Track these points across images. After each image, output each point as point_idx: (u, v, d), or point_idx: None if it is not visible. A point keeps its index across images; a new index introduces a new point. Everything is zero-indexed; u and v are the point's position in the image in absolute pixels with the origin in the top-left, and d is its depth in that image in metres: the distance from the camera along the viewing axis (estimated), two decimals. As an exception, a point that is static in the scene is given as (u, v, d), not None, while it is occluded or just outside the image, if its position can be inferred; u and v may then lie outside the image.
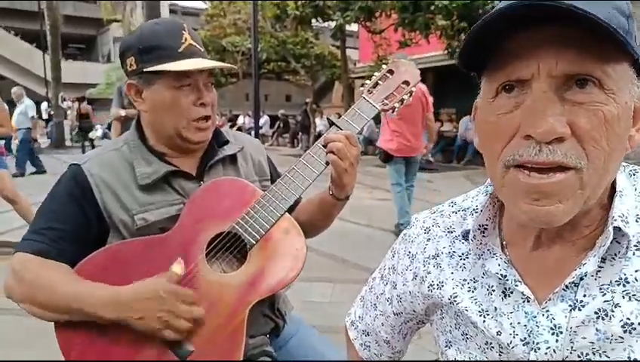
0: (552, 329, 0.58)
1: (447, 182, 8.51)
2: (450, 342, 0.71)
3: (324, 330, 1.56)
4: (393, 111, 1.17)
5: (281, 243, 1.07)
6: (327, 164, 1.10)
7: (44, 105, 20.03)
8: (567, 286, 0.58)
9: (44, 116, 19.65)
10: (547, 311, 0.59)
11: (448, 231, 0.74)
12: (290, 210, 1.21)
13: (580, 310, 0.57)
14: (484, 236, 0.66)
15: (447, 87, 12.28)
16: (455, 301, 0.68)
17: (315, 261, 3.70)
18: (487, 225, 0.67)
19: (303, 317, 1.37)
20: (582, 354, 0.56)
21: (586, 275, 0.57)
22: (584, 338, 0.56)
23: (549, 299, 0.59)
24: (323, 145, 1.11)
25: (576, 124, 0.51)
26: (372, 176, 8.28)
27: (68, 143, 16.07)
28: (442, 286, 0.70)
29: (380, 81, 1.17)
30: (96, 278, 1.00)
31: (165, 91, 1.08)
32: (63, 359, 1.01)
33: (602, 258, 0.57)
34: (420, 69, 1.25)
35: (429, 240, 0.76)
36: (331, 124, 1.15)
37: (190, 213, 1.07)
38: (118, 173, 1.10)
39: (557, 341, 0.57)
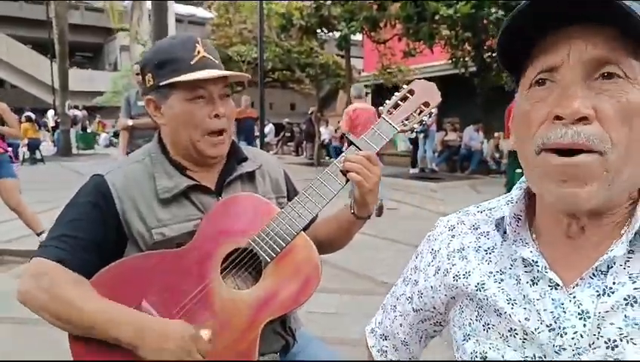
0: (579, 314, 0.58)
1: (451, 192, 8.50)
2: (469, 334, 0.71)
3: (329, 342, 1.56)
4: (412, 132, 1.18)
5: (297, 262, 1.07)
6: (346, 182, 1.10)
7: (50, 112, 20.22)
8: (594, 274, 0.59)
9: (51, 124, 19.84)
10: (574, 296, 0.60)
11: (474, 228, 0.76)
12: (305, 228, 1.21)
13: (609, 296, 0.58)
14: (518, 225, 0.68)
15: (451, 96, 12.21)
16: (482, 288, 0.68)
17: (322, 271, 3.68)
18: (520, 216, 0.69)
19: (308, 328, 1.37)
20: (609, 340, 0.56)
21: (614, 262, 0.58)
22: (612, 324, 0.57)
23: (577, 285, 0.60)
24: (342, 165, 1.11)
25: (600, 109, 0.55)
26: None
27: (74, 151, 16.17)
28: (469, 275, 0.71)
29: (400, 102, 1.17)
30: (112, 290, 1.01)
31: (180, 104, 1.09)
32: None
33: (631, 250, 0.58)
34: (423, 78, 1.26)
35: (453, 236, 0.77)
36: (350, 143, 1.14)
37: (207, 228, 1.07)
38: (140, 185, 1.10)
39: (584, 326, 0.58)
